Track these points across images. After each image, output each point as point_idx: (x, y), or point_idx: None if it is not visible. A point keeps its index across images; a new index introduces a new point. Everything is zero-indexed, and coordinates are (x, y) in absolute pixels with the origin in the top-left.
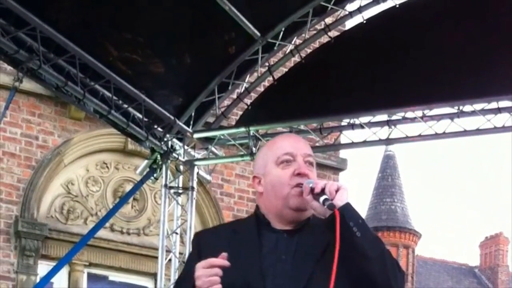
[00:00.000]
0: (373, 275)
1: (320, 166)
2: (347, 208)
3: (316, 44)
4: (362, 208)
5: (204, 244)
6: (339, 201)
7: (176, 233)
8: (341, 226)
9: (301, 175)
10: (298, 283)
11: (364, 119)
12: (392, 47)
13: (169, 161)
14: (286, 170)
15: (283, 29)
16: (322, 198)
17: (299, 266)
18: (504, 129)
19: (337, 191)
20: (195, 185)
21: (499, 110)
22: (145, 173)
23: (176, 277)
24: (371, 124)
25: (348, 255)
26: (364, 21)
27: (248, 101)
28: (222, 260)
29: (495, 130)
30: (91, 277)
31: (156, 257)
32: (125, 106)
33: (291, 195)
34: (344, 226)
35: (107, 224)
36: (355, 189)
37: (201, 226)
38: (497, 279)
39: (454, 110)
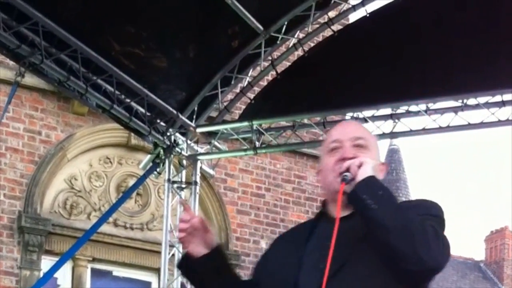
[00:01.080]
0: (397, 247)
1: None
2: (364, 181)
3: (319, 38)
4: None
5: (274, 242)
6: (359, 176)
7: None
8: (354, 201)
9: (345, 159)
10: (335, 265)
11: (367, 112)
12: (396, 41)
13: (172, 156)
14: (333, 157)
15: (286, 23)
16: (341, 176)
17: (336, 252)
18: (508, 122)
19: (360, 166)
20: (198, 179)
21: (503, 103)
22: (148, 167)
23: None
24: (374, 118)
25: (369, 230)
26: (368, 15)
27: (251, 95)
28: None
29: (499, 123)
30: (95, 272)
31: (160, 252)
32: (128, 100)
33: (335, 181)
34: (357, 201)
35: (111, 219)
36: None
37: None
38: (503, 273)
39: (458, 103)
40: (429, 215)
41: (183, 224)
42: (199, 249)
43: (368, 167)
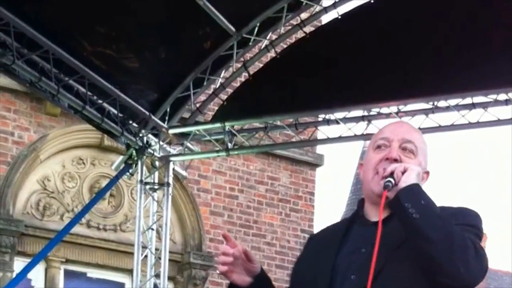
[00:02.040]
0: (437, 259)
1: (297, 161)
2: (407, 189)
3: (292, 40)
4: (340, 204)
5: (309, 244)
6: (403, 183)
7: (152, 229)
8: (396, 208)
9: (389, 160)
10: (368, 274)
11: (339, 114)
12: (367, 43)
13: (144, 157)
14: (378, 154)
15: (258, 24)
16: (384, 181)
17: (379, 255)
18: (478, 124)
19: (404, 172)
20: (170, 181)
21: (473, 106)
22: (120, 168)
23: (153, 273)
24: (346, 120)
25: (409, 239)
26: (339, 17)
27: (223, 96)
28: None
29: (470, 125)
30: (68, 274)
31: (133, 253)
32: (100, 101)
33: (375, 181)
34: (399, 208)
35: (84, 220)
36: (332, 184)
37: (178, 222)
38: None
39: (429, 105)
40: (467, 225)
41: (225, 257)
42: (243, 278)
43: (412, 173)
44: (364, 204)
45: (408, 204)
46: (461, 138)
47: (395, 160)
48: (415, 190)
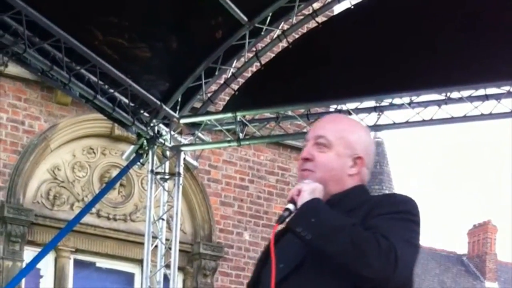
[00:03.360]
0: (342, 267)
1: None
2: (296, 213)
3: (304, 30)
4: None
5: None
6: (298, 206)
7: (163, 219)
8: (291, 231)
9: (302, 160)
10: (292, 264)
11: (351, 105)
12: (380, 33)
13: (155, 147)
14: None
15: (270, 14)
16: (285, 207)
17: (301, 249)
18: (491, 116)
19: (298, 194)
20: (181, 170)
21: (486, 97)
22: (131, 158)
23: (163, 263)
24: (358, 110)
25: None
26: (352, 6)
27: (235, 86)
28: None
29: (482, 117)
30: (78, 263)
31: (143, 243)
32: (111, 90)
33: (298, 180)
34: (293, 233)
35: (94, 210)
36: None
37: (188, 212)
38: (485, 267)
39: (441, 96)
40: (391, 213)
41: None
42: None
43: (305, 194)
44: None
45: (299, 228)
46: (475, 129)
47: (307, 159)
48: (305, 211)
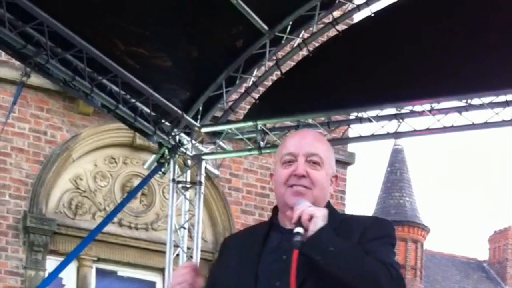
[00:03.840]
0: None
1: None
2: (313, 239)
3: (324, 38)
4: (371, 203)
5: (225, 248)
6: (310, 232)
7: (184, 228)
8: (306, 255)
9: (297, 176)
10: (297, 280)
11: (372, 112)
12: (400, 40)
13: (176, 156)
14: (286, 169)
15: (290, 22)
16: (295, 231)
17: (299, 267)
18: None
19: (310, 219)
20: (203, 179)
21: (507, 103)
22: (152, 167)
23: None
24: (379, 118)
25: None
26: (372, 14)
27: (255, 95)
28: (190, 264)
29: (504, 123)
30: (100, 272)
31: (164, 252)
32: (133, 100)
33: (288, 195)
34: (308, 257)
35: (115, 219)
36: (363, 183)
37: (209, 221)
38: (506, 273)
39: (462, 103)
40: (379, 237)
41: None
42: None
43: (318, 220)
44: (278, 212)
45: (315, 253)
46: (495, 136)
47: (303, 176)
48: (320, 238)
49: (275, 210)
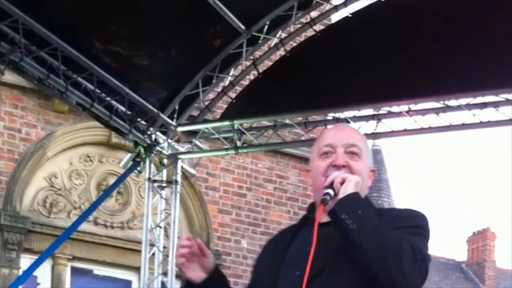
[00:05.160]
0: (372, 268)
1: (305, 160)
2: (344, 200)
3: (301, 38)
4: None
5: (264, 247)
6: (341, 194)
7: (160, 227)
8: (333, 218)
9: (336, 166)
10: (312, 271)
11: (349, 113)
12: (378, 42)
13: (152, 155)
14: (324, 161)
15: (268, 22)
16: (324, 192)
17: (316, 257)
18: (489, 124)
19: (342, 183)
20: (179, 178)
21: (484, 105)
22: (128, 166)
23: (160, 270)
24: (356, 119)
25: (346, 246)
26: (350, 15)
27: (232, 94)
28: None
29: (481, 125)
30: (75, 271)
31: (140, 251)
32: (108, 99)
33: (324, 186)
34: (336, 219)
35: (91, 218)
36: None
37: (185, 220)
38: (484, 274)
39: (439, 104)
40: (410, 227)
41: (183, 249)
42: (198, 274)
43: (350, 184)
44: (315, 208)
45: (345, 215)
46: (473, 137)
47: (343, 166)
48: (352, 201)
49: (311, 206)
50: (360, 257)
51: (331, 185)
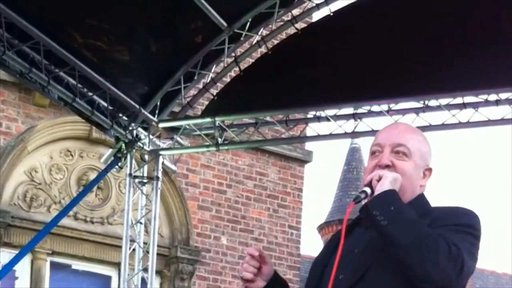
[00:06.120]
0: (408, 263)
1: (285, 157)
2: (377, 197)
3: (283, 36)
4: (327, 201)
5: (330, 238)
6: (376, 191)
7: (141, 223)
8: (366, 215)
9: (380, 166)
10: (355, 275)
11: (330, 111)
12: (359, 41)
13: (134, 150)
14: (373, 161)
15: (250, 19)
16: (361, 190)
17: (362, 259)
18: (468, 124)
19: (379, 180)
20: (160, 174)
21: (464, 105)
22: (109, 161)
23: (140, 266)
24: (336, 117)
25: (385, 244)
26: (331, 14)
27: (214, 91)
28: (251, 249)
29: (460, 125)
30: (54, 266)
31: (120, 247)
32: (90, 94)
33: (363, 185)
34: (369, 216)
35: (71, 213)
36: (320, 181)
37: (165, 216)
38: None
39: (419, 104)
40: (456, 225)
41: (250, 262)
42: (257, 283)
43: (386, 181)
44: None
45: (377, 212)
46: (453, 138)
47: (387, 166)
48: (385, 197)
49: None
50: (395, 252)
51: (370, 183)
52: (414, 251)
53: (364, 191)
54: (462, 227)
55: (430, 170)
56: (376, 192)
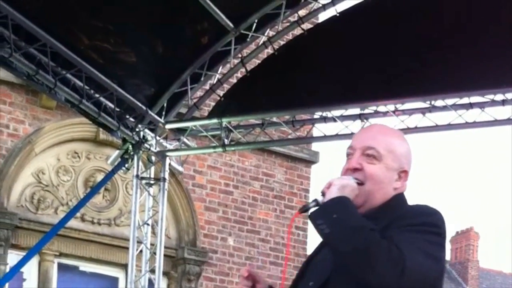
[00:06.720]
0: (352, 270)
1: (292, 158)
2: (323, 205)
3: (289, 36)
4: None
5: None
6: (325, 199)
7: (148, 224)
8: (312, 223)
9: (350, 170)
10: (319, 281)
11: (336, 112)
12: (365, 41)
13: (140, 152)
14: (346, 164)
15: (256, 20)
16: (313, 198)
17: (327, 265)
18: (475, 124)
19: (328, 188)
20: (167, 176)
21: (470, 106)
22: (116, 163)
23: (147, 268)
24: (343, 118)
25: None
26: (337, 14)
27: (220, 92)
28: (242, 270)
29: (467, 125)
30: (61, 267)
31: (127, 248)
32: (97, 95)
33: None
34: (313, 225)
35: (78, 214)
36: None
37: (172, 218)
38: (467, 274)
39: (426, 104)
40: (414, 225)
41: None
42: None
43: (333, 188)
44: None
45: (319, 220)
46: (458, 138)
47: (356, 169)
48: (330, 205)
49: None
50: (340, 259)
51: (323, 193)
52: (353, 257)
53: (316, 200)
54: (418, 226)
55: (405, 172)
56: (325, 200)
